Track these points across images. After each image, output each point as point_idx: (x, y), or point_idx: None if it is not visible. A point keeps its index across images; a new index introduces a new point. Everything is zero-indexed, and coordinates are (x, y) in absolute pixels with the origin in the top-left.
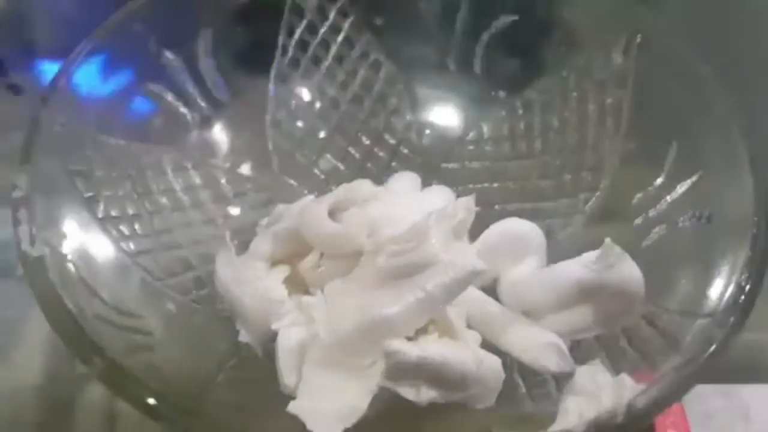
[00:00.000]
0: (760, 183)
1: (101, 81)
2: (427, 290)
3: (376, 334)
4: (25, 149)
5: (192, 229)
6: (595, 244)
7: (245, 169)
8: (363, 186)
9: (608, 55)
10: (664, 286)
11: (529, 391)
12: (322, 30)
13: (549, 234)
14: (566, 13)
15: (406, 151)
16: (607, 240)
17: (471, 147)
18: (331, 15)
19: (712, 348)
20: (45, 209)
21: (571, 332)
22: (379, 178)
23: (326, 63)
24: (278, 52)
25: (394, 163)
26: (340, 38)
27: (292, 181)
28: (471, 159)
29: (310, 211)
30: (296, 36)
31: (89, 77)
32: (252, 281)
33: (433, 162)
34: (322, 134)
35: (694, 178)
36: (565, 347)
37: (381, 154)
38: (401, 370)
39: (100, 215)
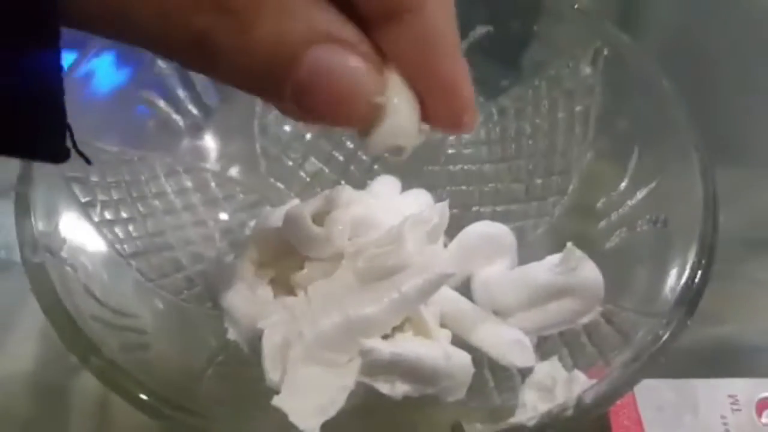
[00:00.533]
0: (708, 190)
1: (96, 89)
2: (402, 291)
3: (354, 333)
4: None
5: (183, 231)
6: (562, 246)
7: (234, 172)
8: (344, 191)
9: (577, 67)
10: (622, 286)
11: (498, 385)
12: None
13: (520, 235)
14: (539, 26)
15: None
16: (569, 244)
17: (451, 151)
18: None
19: (658, 344)
20: (44, 215)
21: (537, 329)
22: (362, 181)
23: None
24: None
25: (376, 166)
26: None
27: (279, 184)
28: (450, 163)
29: (293, 215)
30: None
31: (84, 86)
32: (239, 283)
33: (415, 165)
34: (307, 137)
35: (652, 185)
36: (529, 344)
37: (364, 157)
38: (376, 366)
39: (96, 219)
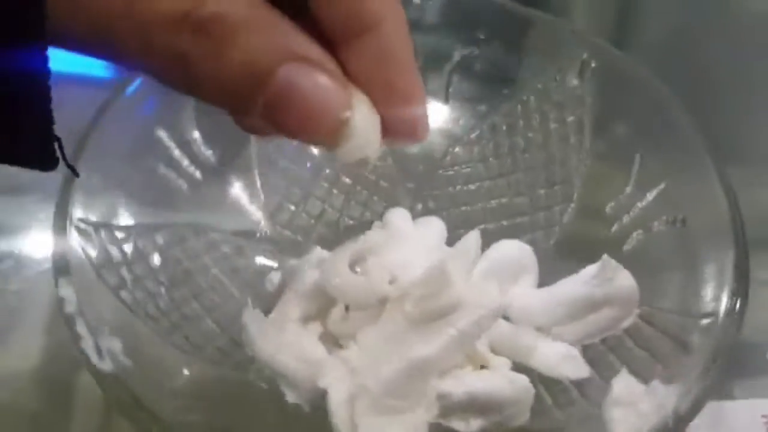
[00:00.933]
0: (727, 186)
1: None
2: (459, 329)
3: (417, 376)
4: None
5: (205, 295)
6: (576, 254)
7: (242, 225)
8: (375, 234)
9: (564, 79)
10: (653, 288)
11: (555, 401)
12: None
13: (534, 247)
14: (524, 42)
15: (386, 184)
16: (605, 256)
17: (449, 172)
18: None
19: (724, 342)
20: (92, 316)
21: (578, 340)
22: (363, 214)
23: None
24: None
25: (375, 198)
26: None
27: (287, 233)
28: (450, 185)
29: (331, 267)
30: None
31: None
32: (291, 345)
33: (416, 191)
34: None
35: (662, 186)
36: (578, 354)
37: (363, 191)
38: (452, 408)
39: (129, 302)
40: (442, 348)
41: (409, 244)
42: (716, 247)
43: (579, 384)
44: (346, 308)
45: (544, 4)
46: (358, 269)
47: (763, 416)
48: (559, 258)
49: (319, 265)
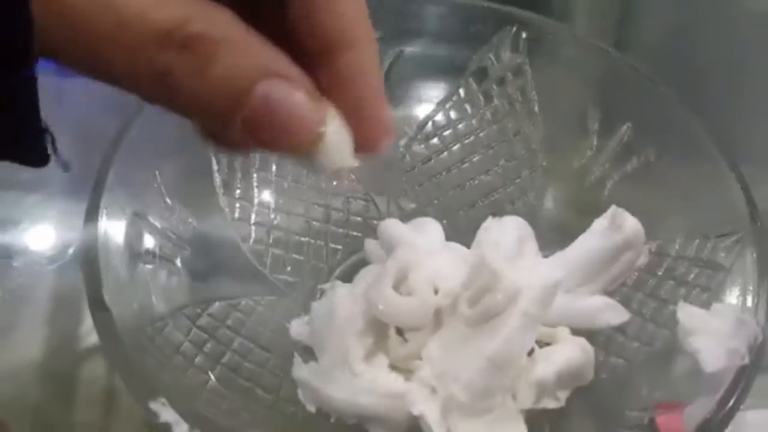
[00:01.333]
0: (690, 116)
1: None
2: (524, 312)
3: (497, 370)
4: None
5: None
6: (561, 213)
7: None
8: (410, 252)
9: (498, 54)
10: (651, 223)
11: (606, 351)
12: None
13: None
14: (454, 30)
15: (361, 200)
16: (613, 206)
17: (415, 171)
18: None
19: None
20: None
21: (605, 289)
22: (347, 234)
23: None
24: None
25: (352, 217)
26: None
27: (284, 277)
28: (416, 182)
29: (377, 295)
30: None
31: None
32: (369, 385)
33: (388, 198)
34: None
35: (623, 129)
36: (615, 302)
37: (336, 212)
38: (547, 390)
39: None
40: (513, 337)
41: (432, 250)
42: (703, 168)
43: (621, 329)
44: (398, 332)
45: (545, 6)
46: (401, 291)
47: None
48: (547, 220)
49: (356, 299)
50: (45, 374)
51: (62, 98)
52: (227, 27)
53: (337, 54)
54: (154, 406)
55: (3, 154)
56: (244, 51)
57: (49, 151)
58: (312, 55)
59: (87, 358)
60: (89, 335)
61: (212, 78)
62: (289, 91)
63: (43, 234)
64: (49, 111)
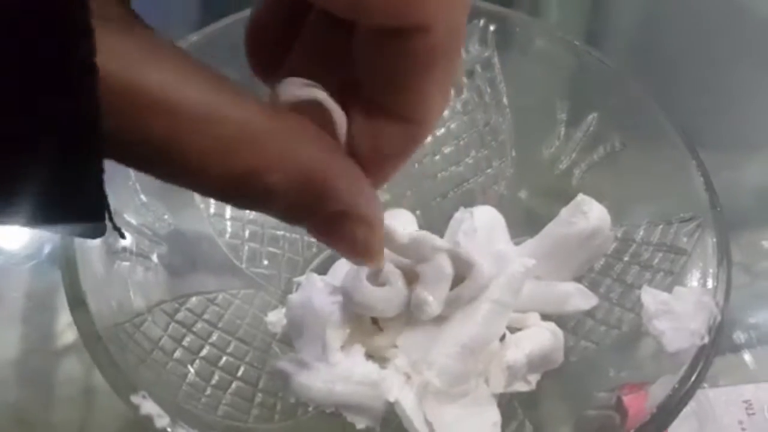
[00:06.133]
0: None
1: None
2: (495, 300)
3: (470, 355)
4: None
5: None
6: (530, 201)
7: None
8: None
9: (467, 48)
10: (618, 210)
11: (576, 335)
12: None
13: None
14: None
15: None
16: (580, 195)
17: None
18: None
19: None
20: None
21: (574, 275)
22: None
23: None
24: None
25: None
26: None
27: (260, 270)
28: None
29: (351, 286)
30: None
31: None
32: (346, 374)
33: None
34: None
35: (589, 119)
36: (584, 288)
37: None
38: (518, 374)
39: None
40: (485, 321)
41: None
42: (666, 156)
43: (589, 313)
44: (373, 321)
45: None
46: (376, 282)
47: (744, 401)
48: (517, 209)
49: (332, 291)
50: (22, 373)
51: None
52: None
53: (392, 120)
54: (135, 399)
55: (60, 225)
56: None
57: (108, 223)
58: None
59: (64, 356)
60: (66, 333)
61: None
62: (354, 228)
63: (17, 233)
64: None
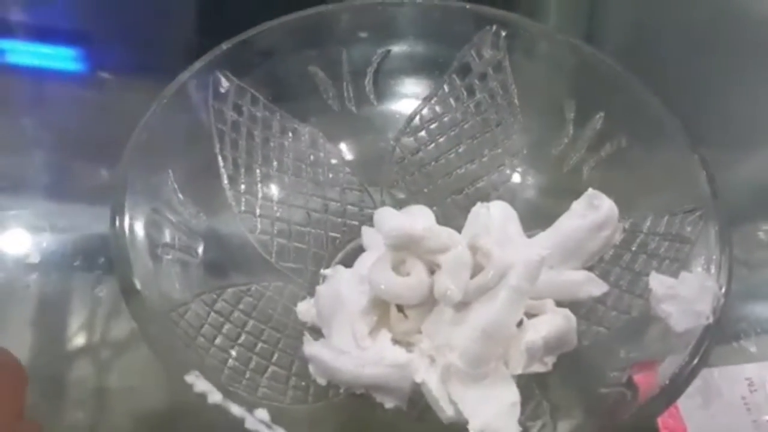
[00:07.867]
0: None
1: None
2: (513, 286)
3: (491, 339)
4: None
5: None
6: (541, 198)
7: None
8: (402, 237)
9: (479, 52)
10: (626, 203)
11: (588, 321)
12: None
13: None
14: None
15: (356, 191)
16: (590, 189)
17: (405, 161)
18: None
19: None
20: None
21: (585, 264)
22: (344, 223)
23: (258, 150)
24: (221, 164)
25: (349, 207)
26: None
27: (289, 264)
28: (407, 173)
29: (377, 276)
30: (227, 141)
31: None
32: (375, 357)
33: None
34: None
35: (596, 118)
36: (594, 276)
37: (333, 203)
38: (536, 355)
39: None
40: (503, 309)
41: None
42: (670, 151)
43: (600, 300)
44: (399, 309)
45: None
46: (400, 272)
47: (746, 378)
48: (529, 204)
49: (360, 281)
50: (33, 375)
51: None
52: None
53: None
54: (189, 378)
55: None
56: None
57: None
58: None
59: (74, 359)
60: (76, 336)
61: None
62: None
63: (29, 238)
64: (56, 116)
